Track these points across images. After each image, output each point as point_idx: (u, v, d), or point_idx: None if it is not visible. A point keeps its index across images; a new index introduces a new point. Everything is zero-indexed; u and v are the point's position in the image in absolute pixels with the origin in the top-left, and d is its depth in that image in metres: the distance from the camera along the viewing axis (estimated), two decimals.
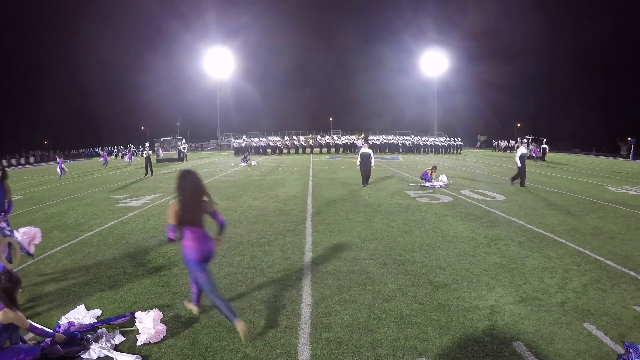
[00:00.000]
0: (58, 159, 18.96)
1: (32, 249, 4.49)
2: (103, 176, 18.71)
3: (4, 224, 4.45)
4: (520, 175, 12.21)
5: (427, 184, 12.47)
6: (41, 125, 56.89)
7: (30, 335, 3.20)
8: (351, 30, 70.36)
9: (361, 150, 12.37)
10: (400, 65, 60.75)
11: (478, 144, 50.48)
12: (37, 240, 4.51)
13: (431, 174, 13.01)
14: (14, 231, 4.49)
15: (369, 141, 34.51)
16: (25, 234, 4.40)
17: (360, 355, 3.01)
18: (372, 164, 12.34)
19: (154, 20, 66.27)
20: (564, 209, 8.53)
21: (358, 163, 12.31)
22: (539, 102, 59.77)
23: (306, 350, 3.07)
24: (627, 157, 33.03)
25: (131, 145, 44.06)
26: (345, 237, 6.25)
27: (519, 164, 12.03)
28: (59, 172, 17.78)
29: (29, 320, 2.99)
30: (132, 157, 30.54)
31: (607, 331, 3.30)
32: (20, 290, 3.08)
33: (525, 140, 12.04)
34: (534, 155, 30.57)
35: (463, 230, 6.68)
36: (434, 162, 22.94)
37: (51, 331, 3.16)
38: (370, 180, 13.85)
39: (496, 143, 45.57)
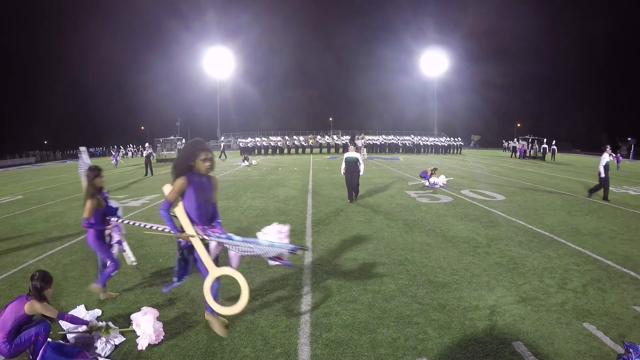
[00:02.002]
0: (113, 153, 20.04)
1: (285, 258, 3.16)
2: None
3: (220, 234, 3.13)
4: (602, 186, 9.91)
5: (428, 183, 12.41)
6: (41, 125, 56.92)
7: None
8: (351, 30, 70.37)
9: (346, 155, 9.36)
10: (400, 65, 60.80)
11: (472, 144, 50.34)
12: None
13: (431, 174, 12.81)
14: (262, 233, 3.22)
15: (358, 141, 33.82)
16: (280, 232, 3.16)
17: (360, 355, 3.01)
18: (361, 172, 9.44)
19: (154, 20, 66.44)
20: (564, 209, 8.53)
21: (342, 171, 9.47)
22: (539, 102, 59.87)
23: (306, 350, 3.07)
24: (627, 157, 33.05)
25: (131, 145, 44.08)
26: (345, 237, 6.25)
27: (602, 174, 9.77)
28: (114, 163, 19.58)
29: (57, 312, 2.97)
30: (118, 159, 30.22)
31: (607, 331, 3.30)
32: (51, 290, 3.05)
33: (608, 147, 10.38)
34: (518, 154, 30.63)
35: (463, 230, 6.68)
36: (434, 162, 22.96)
37: (85, 319, 3.18)
38: (367, 185, 13.79)
39: (506, 144, 39.19)
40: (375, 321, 3.51)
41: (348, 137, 37.81)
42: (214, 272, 3.08)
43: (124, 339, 3.28)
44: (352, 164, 9.32)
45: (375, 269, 4.80)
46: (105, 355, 3.03)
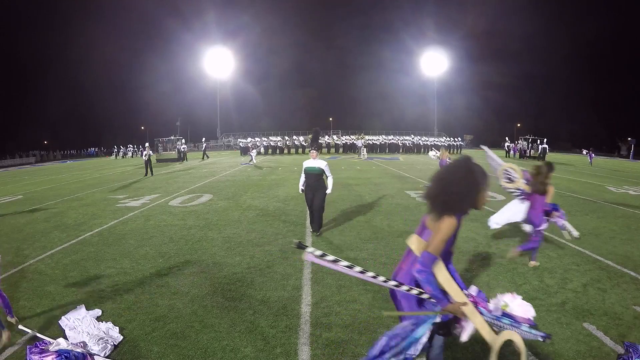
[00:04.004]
0: (149, 151, 20.18)
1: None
2: (103, 176, 18.72)
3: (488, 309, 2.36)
4: None
5: (428, 184, 12.55)
6: (41, 125, 56.97)
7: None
8: (351, 30, 70.37)
9: (305, 165, 6.43)
10: (400, 65, 60.73)
11: (464, 144, 50.40)
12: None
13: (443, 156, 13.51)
14: None
15: (357, 141, 33.21)
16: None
17: (360, 355, 3.00)
18: (328, 190, 6.51)
19: (154, 20, 66.40)
20: (563, 209, 8.51)
21: (300, 188, 6.63)
22: (539, 102, 59.88)
23: (306, 350, 3.07)
24: (627, 157, 33.06)
25: (131, 145, 44.17)
26: (345, 237, 6.25)
27: None
28: (144, 159, 19.25)
29: None
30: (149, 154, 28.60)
31: (607, 331, 3.30)
32: None
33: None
34: (512, 152, 30.65)
35: (463, 230, 6.64)
36: (434, 162, 22.93)
37: None
38: (367, 185, 13.74)
39: (510, 145, 32.42)
40: (375, 321, 3.51)
41: (349, 137, 37.76)
42: (497, 341, 2.25)
43: (122, 337, 3.28)
44: (315, 178, 6.32)
45: (375, 269, 4.80)
46: (105, 356, 3.03)
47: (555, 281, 4.39)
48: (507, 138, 35.07)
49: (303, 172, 6.50)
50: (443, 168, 2.19)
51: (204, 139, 34.95)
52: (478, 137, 54.54)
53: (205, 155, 31.41)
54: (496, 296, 2.48)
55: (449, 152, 17.95)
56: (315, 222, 6.48)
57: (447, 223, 2.03)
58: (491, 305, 2.41)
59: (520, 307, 2.49)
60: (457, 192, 2.04)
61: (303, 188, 6.61)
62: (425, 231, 2.22)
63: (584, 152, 26.35)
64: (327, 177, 6.55)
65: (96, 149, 55.04)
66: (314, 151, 6.52)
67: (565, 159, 29.76)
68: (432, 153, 17.00)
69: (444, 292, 2.10)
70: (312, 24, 69.37)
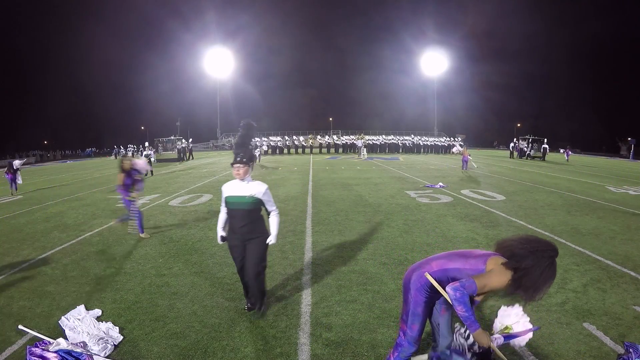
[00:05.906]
0: (149, 151, 19.73)
1: None
2: (103, 176, 18.71)
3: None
4: None
5: (428, 184, 12.62)
6: (41, 125, 57.04)
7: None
8: (351, 30, 70.54)
9: (226, 192, 3.53)
10: (400, 65, 60.91)
11: (462, 143, 50.45)
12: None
13: (465, 153, 17.02)
14: None
15: (358, 142, 33.35)
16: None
17: (360, 355, 3.01)
18: (272, 239, 3.78)
19: (154, 20, 66.52)
20: (564, 209, 8.53)
21: (220, 234, 3.70)
22: (539, 102, 59.98)
23: (306, 350, 3.07)
24: (627, 157, 33.07)
25: (131, 145, 44.16)
26: (345, 237, 6.25)
27: None
28: (153, 159, 18.77)
29: None
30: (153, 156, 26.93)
31: (607, 331, 3.30)
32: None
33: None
34: (516, 151, 30.73)
35: (463, 230, 6.68)
36: (435, 162, 22.96)
37: None
38: (367, 186, 13.79)
39: (514, 145, 32.16)
40: (375, 321, 3.51)
41: (349, 137, 37.84)
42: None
43: (122, 337, 3.28)
44: (244, 217, 3.56)
45: (375, 269, 4.80)
46: (105, 356, 3.03)
47: (555, 281, 4.38)
48: (515, 140, 34.78)
49: (223, 203, 3.64)
50: (535, 243, 2.18)
51: (190, 140, 35.39)
52: (478, 137, 54.64)
53: (190, 156, 31.46)
54: (495, 323, 2.58)
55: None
56: (251, 293, 3.70)
57: (502, 281, 2.16)
58: (495, 331, 2.51)
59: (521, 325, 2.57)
60: (533, 279, 2.11)
61: (224, 234, 3.73)
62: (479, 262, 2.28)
63: (561, 150, 28.97)
64: (270, 211, 3.73)
65: (93, 149, 55.13)
66: (241, 165, 3.46)
67: (556, 158, 29.77)
68: (455, 149, 20.90)
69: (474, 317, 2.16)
70: (312, 24, 69.47)
